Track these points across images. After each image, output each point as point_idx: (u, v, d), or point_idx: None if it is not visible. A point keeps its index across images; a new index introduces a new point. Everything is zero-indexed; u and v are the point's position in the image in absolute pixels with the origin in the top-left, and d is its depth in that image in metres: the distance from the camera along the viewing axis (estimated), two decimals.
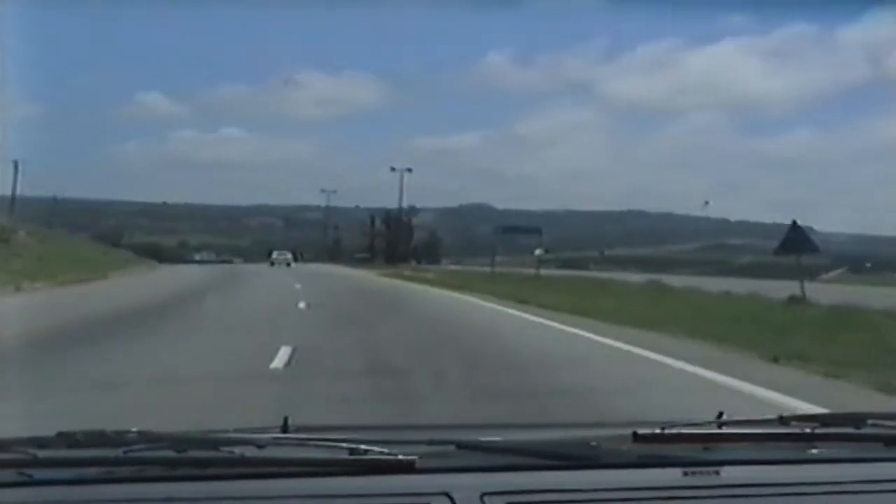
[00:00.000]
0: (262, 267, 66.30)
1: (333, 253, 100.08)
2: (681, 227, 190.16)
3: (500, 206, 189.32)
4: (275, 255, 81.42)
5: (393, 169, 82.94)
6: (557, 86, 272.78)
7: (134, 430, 1.85)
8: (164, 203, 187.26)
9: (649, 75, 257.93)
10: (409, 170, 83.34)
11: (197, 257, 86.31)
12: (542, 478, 1.81)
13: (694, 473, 1.85)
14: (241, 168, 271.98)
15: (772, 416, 2.17)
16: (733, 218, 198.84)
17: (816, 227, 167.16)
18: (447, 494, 1.71)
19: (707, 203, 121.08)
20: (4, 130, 45.57)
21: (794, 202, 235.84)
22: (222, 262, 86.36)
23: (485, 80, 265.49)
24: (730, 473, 1.86)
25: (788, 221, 23.79)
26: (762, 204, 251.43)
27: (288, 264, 74.35)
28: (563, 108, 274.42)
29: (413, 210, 76.12)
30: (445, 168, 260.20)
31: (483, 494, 1.72)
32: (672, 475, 1.83)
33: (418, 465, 1.78)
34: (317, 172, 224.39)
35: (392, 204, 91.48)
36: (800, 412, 2.62)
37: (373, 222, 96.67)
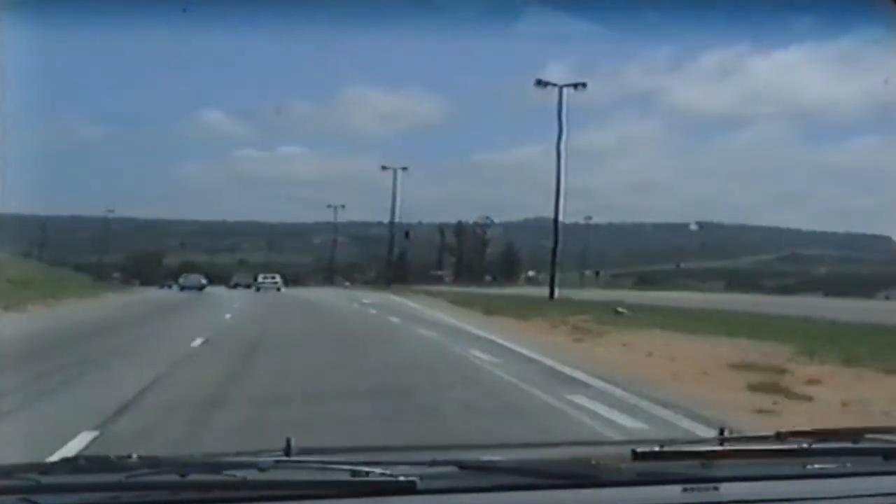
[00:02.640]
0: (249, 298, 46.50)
1: (398, 270, 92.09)
2: (753, 238, 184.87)
3: (565, 219, 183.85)
4: (260, 278, 72.23)
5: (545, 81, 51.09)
6: (619, 97, 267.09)
7: (136, 455, 1.87)
8: (225, 221, 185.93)
9: (714, 84, 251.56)
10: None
11: (181, 281, 70.96)
12: (543, 497, 1.82)
13: (693, 490, 1.85)
14: (302, 185, 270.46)
15: (769, 431, 2.13)
16: (805, 228, 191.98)
17: (895, 237, 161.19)
18: None
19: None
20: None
21: (865, 211, 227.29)
22: (236, 285, 73.70)
23: (545, 92, 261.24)
24: (729, 490, 1.86)
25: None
26: (833, 213, 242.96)
27: (278, 289, 65.03)
28: (625, 119, 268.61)
29: (488, 222, 67.39)
30: (508, 182, 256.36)
31: None
32: (671, 492, 1.85)
33: (419, 486, 1.77)
34: (379, 189, 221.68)
35: (455, 219, 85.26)
36: None
37: (442, 235, 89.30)
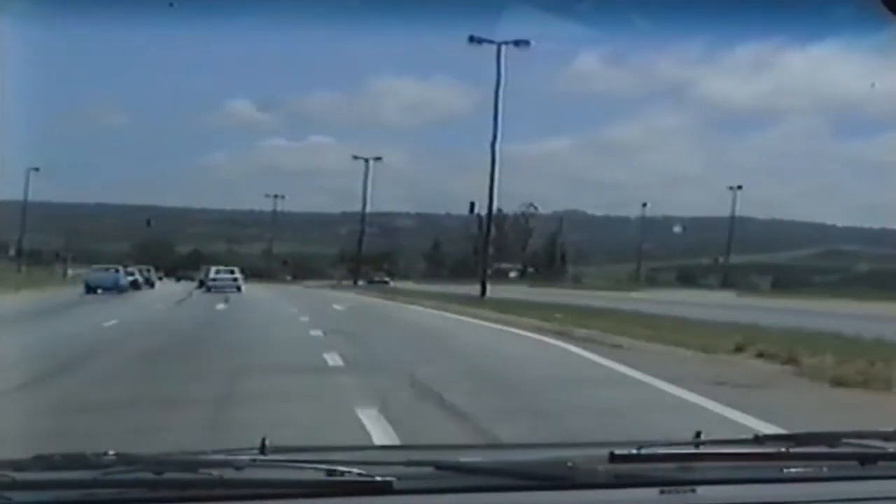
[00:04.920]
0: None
1: (432, 263, 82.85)
2: (788, 233, 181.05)
3: (595, 212, 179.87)
4: (213, 272, 53.81)
5: None
6: (651, 88, 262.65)
7: (112, 452, 1.84)
8: (251, 210, 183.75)
9: (747, 77, 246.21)
10: None
11: (89, 279, 46.83)
12: (519, 498, 1.83)
13: (670, 492, 1.86)
14: (329, 175, 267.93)
15: (747, 435, 2.16)
16: (841, 223, 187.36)
17: None
18: None
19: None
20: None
21: None
22: (201, 283, 55.12)
23: (575, 83, 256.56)
24: (706, 492, 1.88)
25: None
26: (867, 208, 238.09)
27: (238, 289, 49.55)
28: (656, 111, 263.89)
29: (532, 210, 59.78)
30: (536, 174, 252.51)
31: None
32: (648, 495, 1.86)
33: (396, 486, 1.78)
34: (407, 179, 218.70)
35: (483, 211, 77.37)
36: None
37: (480, 224, 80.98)
